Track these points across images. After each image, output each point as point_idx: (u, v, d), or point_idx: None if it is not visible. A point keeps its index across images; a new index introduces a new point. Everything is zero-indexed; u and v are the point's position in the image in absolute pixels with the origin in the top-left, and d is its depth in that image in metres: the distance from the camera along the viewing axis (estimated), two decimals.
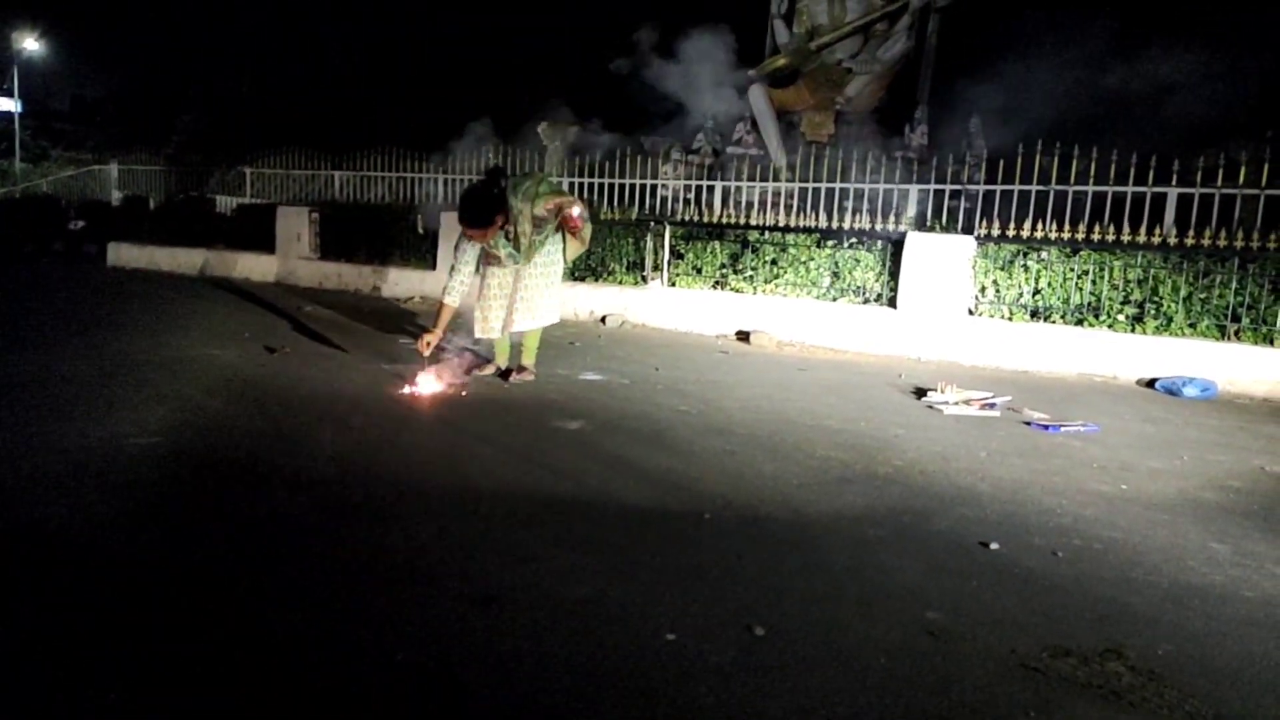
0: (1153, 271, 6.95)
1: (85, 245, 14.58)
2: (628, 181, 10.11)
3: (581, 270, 9.36)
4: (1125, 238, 7.16)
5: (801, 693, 2.04)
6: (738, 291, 8.65)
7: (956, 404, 5.42)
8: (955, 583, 2.73)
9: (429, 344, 5.16)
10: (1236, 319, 6.68)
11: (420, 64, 23.65)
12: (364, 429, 4.25)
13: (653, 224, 9.20)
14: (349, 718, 1.89)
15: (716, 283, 8.85)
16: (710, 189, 10.02)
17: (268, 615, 2.30)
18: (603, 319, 8.92)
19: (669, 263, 9.02)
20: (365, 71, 24.89)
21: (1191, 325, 6.81)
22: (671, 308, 8.78)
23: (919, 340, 7.54)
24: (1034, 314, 7.37)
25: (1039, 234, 7.47)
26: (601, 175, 10.26)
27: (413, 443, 4.13)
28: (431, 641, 2.19)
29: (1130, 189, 7.39)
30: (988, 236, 7.64)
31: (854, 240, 8.17)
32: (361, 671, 2.04)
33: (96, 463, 3.44)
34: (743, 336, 8.19)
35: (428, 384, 5.08)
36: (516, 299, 5.37)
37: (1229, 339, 6.68)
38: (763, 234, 8.67)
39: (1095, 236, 7.24)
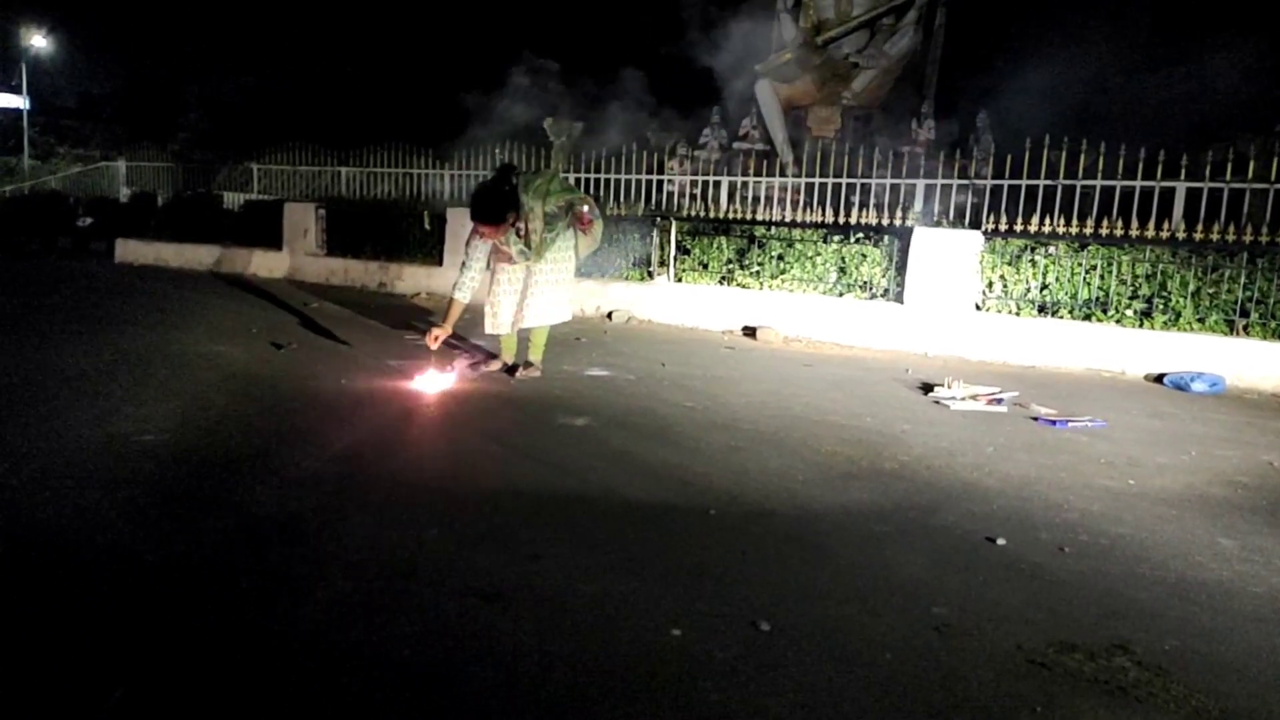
0: (1161, 266, 6.93)
1: (93, 242, 14.64)
2: (634, 177, 10.10)
3: (587, 266, 9.36)
4: (1133, 232, 7.14)
5: (807, 688, 2.04)
6: (744, 287, 8.64)
7: (963, 399, 5.41)
8: (961, 578, 2.73)
9: (436, 339, 5.17)
10: (1245, 314, 6.65)
11: (427, 59, 23.66)
12: (370, 425, 4.26)
13: (659, 219, 9.19)
14: (353, 716, 1.89)
15: (723, 278, 8.84)
16: (717, 184, 10.00)
17: (272, 613, 2.30)
18: (609, 315, 8.91)
19: (675, 258, 9.01)
20: (372, 66, 24.91)
21: (1200, 320, 6.79)
22: (678, 303, 8.77)
23: (926, 335, 7.52)
24: (1041, 309, 7.35)
25: (1047, 229, 7.45)
26: (607, 171, 10.26)
27: (418, 439, 4.14)
28: (435, 639, 2.19)
29: (1138, 184, 7.36)
30: (995, 231, 7.61)
31: (861, 235, 8.15)
32: (365, 669, 2.05)
33: (101, 460, 3.45)
34: (749, 332, 8.19)
35: (434, 380, 5.09)
36: (527, 295, 5.38)
37: (1237, 334, 6.65)
38: (769, 229, 8.65)
39: (1103, 231, 7.21)
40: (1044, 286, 7.34)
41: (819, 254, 8.28)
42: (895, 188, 8.75)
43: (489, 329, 5.53)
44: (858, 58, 12.10)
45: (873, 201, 8.70)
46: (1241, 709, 2.06)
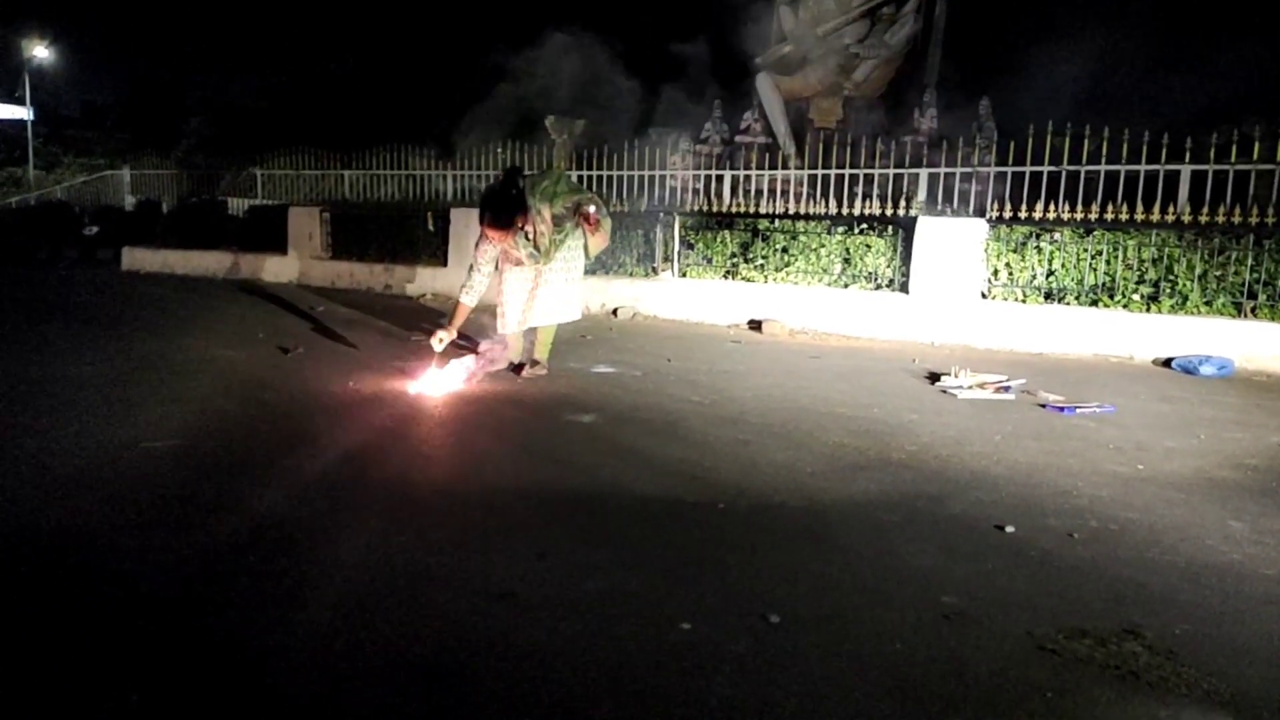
0: (1167, 250, 6.90)
1: (100, 250, 14.70)
2: (636, 173, 10.09)
3: (592, 263, 9.36)
4: (1139, 217, 7.11)
5: (818, 679, 2.05)
6: (748, 281, 8.63)
7: (970, 388, 5.40)
8: (970, 566, 2.73)
9: (442, 341, 5.18)
10: (1253, 296, 6.62)
11: (429, 61, 23.66)
12: (377, 427, 4.27)
13: (662, 215, 9.19)
14: (363, 715, 1.90)
15: (727, 272, 8.84)
16: (719, 178, 9.99)
17: (282, 615, 2.31)
18: (614, 311, 8.92)
19: (679, 253, 9.01)
20: (373, 68, 24.91)
21: (1207, 303, 6.76)
22: (682, 298, 8.77)
23: (932, 325, 7.51)
24: (1048, 296, 7.33)
25: (1051, 215, 7.43)
26: (610, 167, 10.25)
27: (425, 439, 4.15)
28: (445, 638, 2.20)
29: (1143, 167, 7.34)
30: (1000, 219, 7.59)
31: (864, 226, 8.14)
32: (378, 669, 2.06)
33: (109, 466, 3.47)
34: (754, 326, 8.18)
35: (440, 380, 5.10)
36: (537, 295, 5.39)
37: (1245, 316, 6.62)
38: (773, 222, 8.64)
39: (1109, 216, 7.18)
40: (1050, 273, 7.32)
41: (823, 245, 8.27)
42: (898, 177, 8.73)
43: (499, 328, 5.54)
44: (858, 48, 12.07)
45: (876, 192, 8.68)
46: (1253, 692, 2.06)
